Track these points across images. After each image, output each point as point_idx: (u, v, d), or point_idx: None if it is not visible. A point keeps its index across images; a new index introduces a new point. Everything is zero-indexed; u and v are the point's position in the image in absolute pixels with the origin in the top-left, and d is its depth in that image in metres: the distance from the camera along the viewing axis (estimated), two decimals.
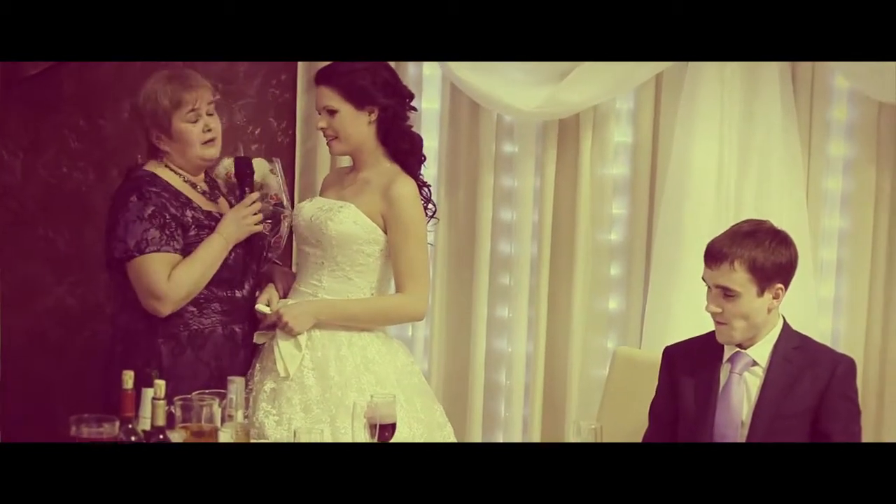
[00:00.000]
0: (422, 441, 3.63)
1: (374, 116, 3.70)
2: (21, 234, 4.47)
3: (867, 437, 3.83)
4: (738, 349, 3.47)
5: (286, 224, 3.84)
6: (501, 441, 4.61)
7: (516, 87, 4.31)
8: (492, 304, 4.56)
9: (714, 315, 3.44)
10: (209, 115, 3.69)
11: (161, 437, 2.88)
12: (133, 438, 2.84)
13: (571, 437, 3.16)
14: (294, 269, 3.99)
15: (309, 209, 3.77)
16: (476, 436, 4.49)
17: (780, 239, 3.45)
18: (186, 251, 3.61)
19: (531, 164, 4.49)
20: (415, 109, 3.83)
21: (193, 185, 3.71)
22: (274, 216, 3.81)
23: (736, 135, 4.32)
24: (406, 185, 3.69)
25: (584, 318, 4.52)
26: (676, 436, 3.52)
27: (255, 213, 3.70)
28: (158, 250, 3.56)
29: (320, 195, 3.88)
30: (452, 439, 3.81)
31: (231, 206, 3.76)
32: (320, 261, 3.71)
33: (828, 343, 4.01)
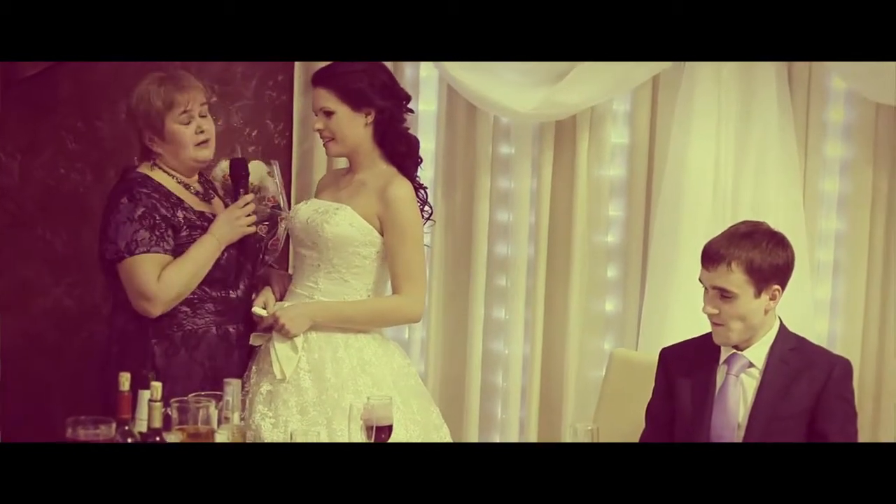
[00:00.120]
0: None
1: (370, 118, 3.70)
2: (18, 236, 4.47)
3: (863, 438, 3.83)
4: (734, 351, 3.47)
5: (283, 226, 3.84)
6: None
7: (513, 89, 4.31)
8: (488, 305, 4.56)
9: (711, 316, 3.44)
10: (202, 116, 3.69)
11: (158, 439, 2.90)
12: (130, 440, 2.84)
13: (568, 439, 3.16)
14: (291, 271, 3.99)
15: (305, 211, 3.76)
16: (472, 437, 4.50)
17: (777, 240, 3.45)
18: (178, 252, 3.60)
19: (528, 165, 4.49)
20: (411, 111, 3.83)
21: (187, 186, 3.71)
22: (271, 219, 3.81)
23: (733, 134, 4.33)
24: (402, 187, 3.69)
25: (580, 319, 4.52)
26: (673, 437, 3.52)
27: (249, 215, 3.70)
28: (148, 251, 3.56)
29: (316, 197, 3.88)
30: (449, 441, 3.81)
31: (227, 207, 3.76)
32: (316, 263, 3.71)
33: (824, 345, 4.00)
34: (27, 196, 4.47)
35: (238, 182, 3.75)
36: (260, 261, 3.83)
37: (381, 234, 3.69)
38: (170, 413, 3.02)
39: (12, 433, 3.85)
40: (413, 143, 3.79)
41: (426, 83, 4.51)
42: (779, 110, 4.32)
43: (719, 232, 3.54)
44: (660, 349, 3.67)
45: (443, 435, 3.78)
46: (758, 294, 3.40)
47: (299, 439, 3.07)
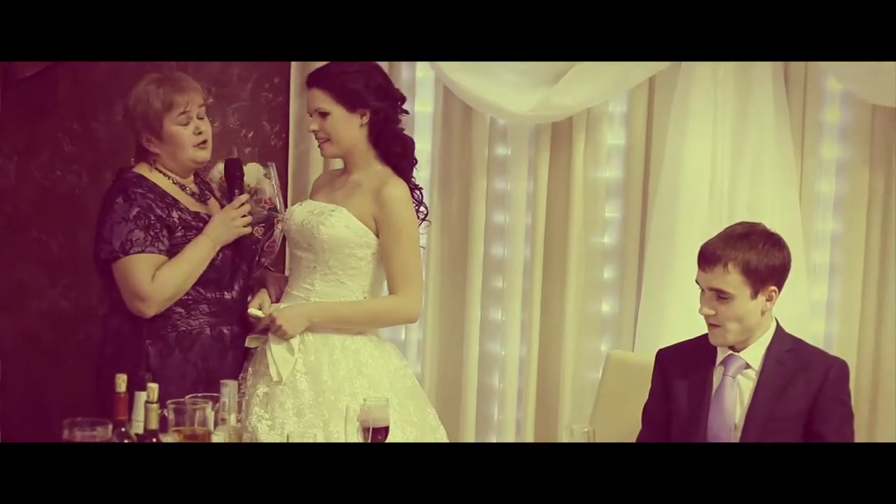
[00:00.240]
0: None
1: (365, 119, 3.70)
2: (15, 237, 4.47)
3: (860, 439, 3.85)
4: (731, 352, 3.47)
5: (280, 228, 3.84)
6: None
7: (509, 90, 4.31)
8: (485, 307, 4.56)
9: (707, 317, 3.44)
10: (200, 118, 3.69)
11: (154, 440, 2.89)
12: (126, 442, 2.84)
13: (564, 440, 3.16)
14: (287, 273, 3.99)
15: (300, 213, 3.76)
16: (469, 439, 4.50)
17: (774, 241, 3.45)
18: (173, 252, 3.60)
19: (524, 167, 4.49)
20: (407, 112, 3.82)
21: (182, 187, 3.71)
22: (268, 220, 3.80)
23: (729, 135, 4.32)
24: (397, 188, 3.69)
25: (577, 321, 4.52)
26: (669, 438, 3.52)
27: (244, 216, 3.70)
28: (143, 251, 3.55)
29: (311, 198, 3.87)
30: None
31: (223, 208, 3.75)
32: (312, 265, 3.71)
33: (820, 346, 4.01)
34: (23, 198, 4.47)
35: (233, 183, 3.75)
36: (256, 263, 3.83)
37: (377, 235, 3.69)
38: (166, 415, 3.01)
39: (10, 434, 3.85)
40: (408, 144, 3.79)
41: (422, 84, 4.51)
42: (775, 111, 4.32)
43: (716, 233, 3.54)
44: (656, 350, 3.67)
45: (439, 436, 3.77)
46: (754, 295, 3.40)
47: (296, 441, 3.07)
